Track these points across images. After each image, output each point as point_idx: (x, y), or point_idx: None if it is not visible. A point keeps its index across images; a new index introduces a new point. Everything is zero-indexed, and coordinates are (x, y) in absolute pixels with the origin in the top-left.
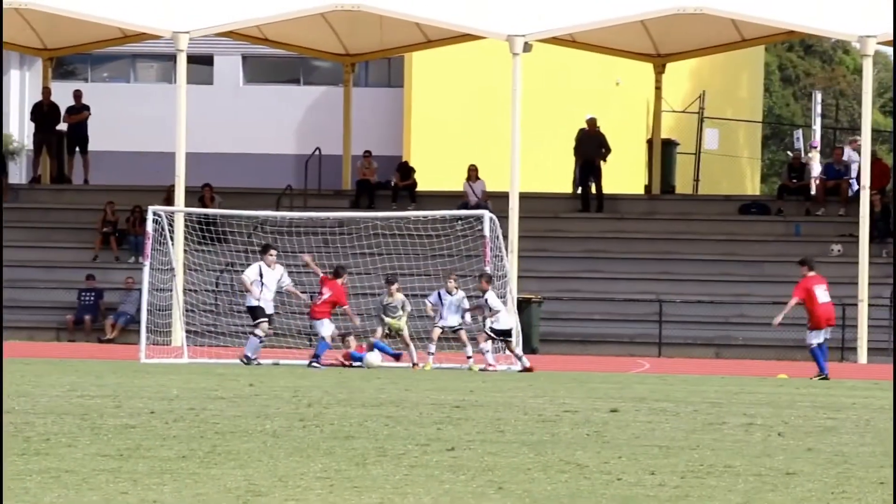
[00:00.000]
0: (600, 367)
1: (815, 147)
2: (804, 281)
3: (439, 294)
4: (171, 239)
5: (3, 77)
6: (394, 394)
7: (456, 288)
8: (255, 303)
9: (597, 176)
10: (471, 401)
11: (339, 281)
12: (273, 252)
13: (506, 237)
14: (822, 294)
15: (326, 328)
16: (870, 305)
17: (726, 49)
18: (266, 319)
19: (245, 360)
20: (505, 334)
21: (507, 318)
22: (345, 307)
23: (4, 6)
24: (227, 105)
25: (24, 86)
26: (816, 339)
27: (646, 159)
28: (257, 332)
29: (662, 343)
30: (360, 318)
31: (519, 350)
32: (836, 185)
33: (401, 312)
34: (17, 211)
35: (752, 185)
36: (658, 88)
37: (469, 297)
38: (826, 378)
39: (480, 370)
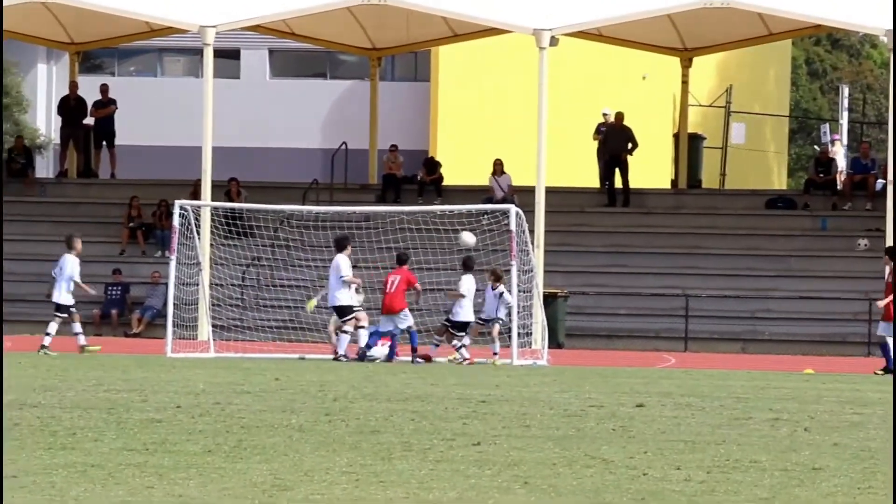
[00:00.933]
0: (626, 361)
1: (838, 139)
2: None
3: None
4: (198, 233)
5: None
6: (419, 388)
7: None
8: (348, 301)
9: (623, 170)
10: (496, 395)
11: (406, 267)
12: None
13: (532, 231)
14: None
15: (410, 319)
16: None
17: (753, 43)
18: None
19: (360, 355)
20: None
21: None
22: (415, 285)
23: (33, 0)
24: (253, 99)
25: (51, 80)
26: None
27: (672, 154)
28: (347, 328)
29: (688, 338)
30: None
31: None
32: (863, 180)
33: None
34: (44, 205)
35: (778, 180)
36: (685, 83)
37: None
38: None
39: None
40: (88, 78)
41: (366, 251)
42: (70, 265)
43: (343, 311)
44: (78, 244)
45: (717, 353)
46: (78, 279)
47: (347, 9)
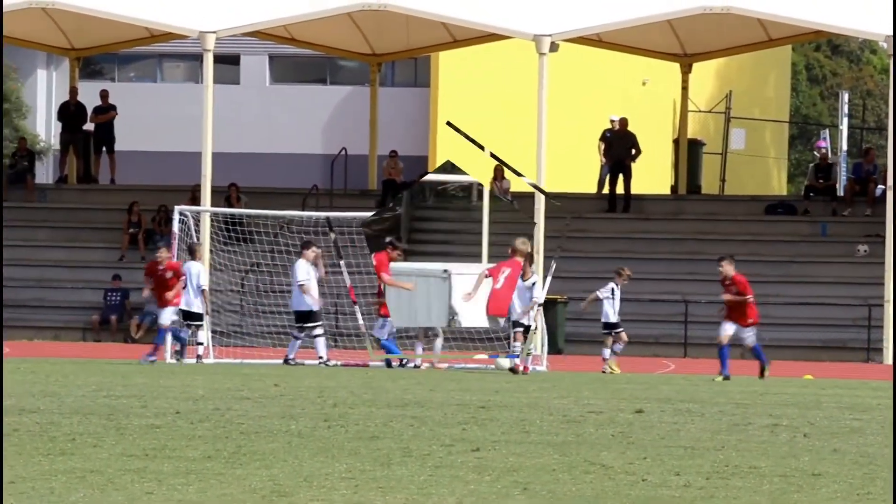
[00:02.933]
0: (625, 367)
1: (824, 147)
2: (741, 277)
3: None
4: (198, 238)
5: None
6: (419, 394)
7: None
8: (312, 307)
9: (626, 176)
10: (496, 401)
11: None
12: (315, 249)
13: (531, 237)
14: None
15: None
16: None
17: (753, 49)
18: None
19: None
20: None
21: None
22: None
23: (33, 6)
24: (253, 105)
25: (51, 85)
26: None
27: (672, 159)
28: (318, 331)
29: (688, 343)
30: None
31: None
32: (863, 186)
33: None
34: (44, 211)
35: (778, 186)
36: (685, 88)
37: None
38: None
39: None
40: (88, 83)
41: (366, 256)
42: (195, 273)
43: (307, 317)
44: (201, 251)
45: (717, 359)
46: (201, 285)
47: (347, 14)
